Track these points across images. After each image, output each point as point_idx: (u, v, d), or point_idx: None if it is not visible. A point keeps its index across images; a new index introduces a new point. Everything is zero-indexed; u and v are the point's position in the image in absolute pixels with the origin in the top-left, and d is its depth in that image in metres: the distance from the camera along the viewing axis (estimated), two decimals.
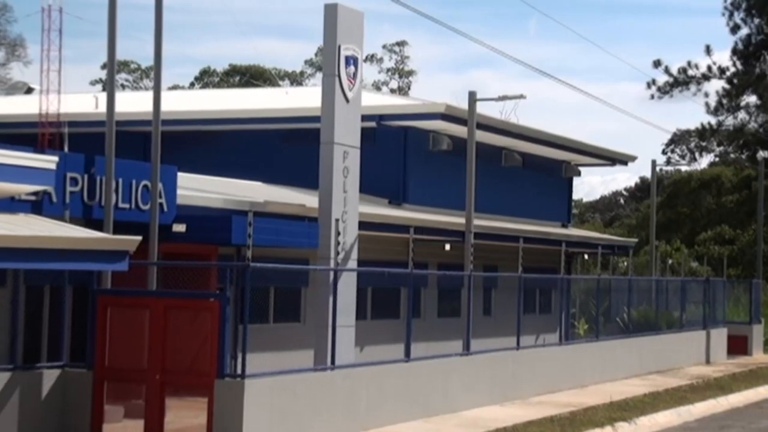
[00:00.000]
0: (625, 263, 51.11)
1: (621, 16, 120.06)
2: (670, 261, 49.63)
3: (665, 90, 51.86)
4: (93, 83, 70.37)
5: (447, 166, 30.31)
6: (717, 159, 70.55)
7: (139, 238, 15.13)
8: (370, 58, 73.76)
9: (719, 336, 36.20)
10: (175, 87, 65.13)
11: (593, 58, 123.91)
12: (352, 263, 21.54)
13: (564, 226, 37.68)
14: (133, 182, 18.22)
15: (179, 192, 19.25)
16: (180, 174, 19.49)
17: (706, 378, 29.63)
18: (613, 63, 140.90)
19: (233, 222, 18.98)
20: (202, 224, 19.13)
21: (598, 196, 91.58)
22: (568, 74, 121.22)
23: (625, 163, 39.71)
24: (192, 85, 70.89)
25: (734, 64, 49.64)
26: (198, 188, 21.38)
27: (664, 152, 76.78)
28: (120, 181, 17.94)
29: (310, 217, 21.93)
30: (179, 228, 18.88)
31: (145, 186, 18.29)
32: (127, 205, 18.09)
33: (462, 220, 26.24)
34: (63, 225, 15.63)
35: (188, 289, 18.33)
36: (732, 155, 60.04)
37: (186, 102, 33.86)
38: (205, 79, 72.28)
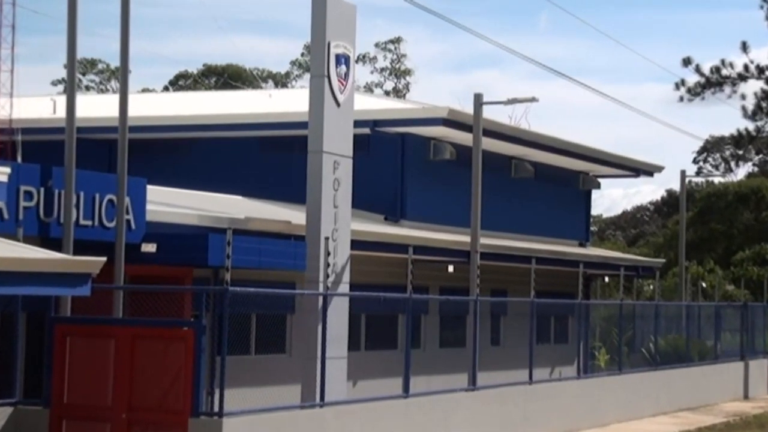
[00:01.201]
0: (651, 287, 51.06)
1: (645, 8, 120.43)
2: (702, 284, 49.65)
3: (696, 92, 51.91)
4: (55, 83, 70.46)
5: (450, 177, 30.34)
6: (755, 169, 70.55)
7: (103, 259, 15.12)
8: (363, 58, 73.96)
9: (759, 368, 36.17)
10: (146, 90, 65.25)
11: (613, 56, 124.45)
12: (344, 287, 21.53)
13: (582, 245, 37.71)
14: (97, 196, 18.23)
15: (149, 207, 19.26)
16: (150, 187, 19.51)
17: (744, 415, 29.62)
18: (636, 61, 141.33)
19: (210, 241, 18.99)
20: (174, 243, 19.14)
21: (620, 211, 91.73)
22: (585, 74, 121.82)
23: (651, 174, 39.80)
24: (166, 89, 70.97)
25: None
26: (170, 203, 21.40)
27: (695, 161, 77.13)
28: (81, 194, 17.94)
29: (296, 235, 21.95)
30: (149, 248, 18.88)
31: (110, 200, 18.31)
32: (89, 222, 18.09)
33: (467, 239, 26.26)
34: (16, 245, 15.62)
35: (159, 316, 18.33)
36: None
37: (157, 106, 33.90)
38: (180, 82, 72.36)
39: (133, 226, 18.71)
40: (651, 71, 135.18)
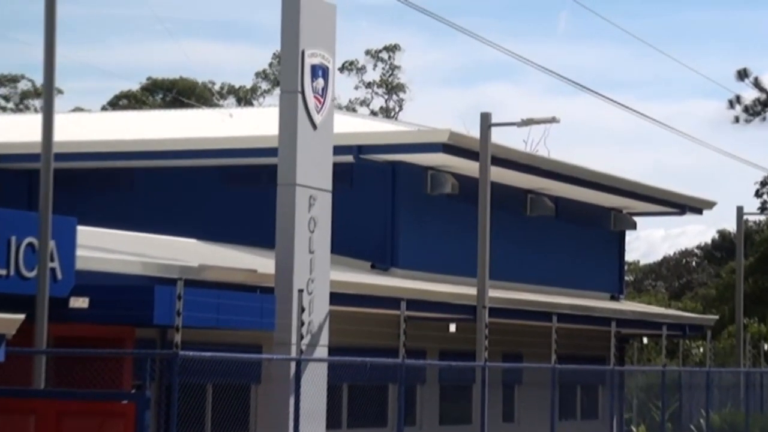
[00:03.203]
0: (702, 349, 50.99)
1: (690, 7, 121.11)
2: (765, 346, 49.66)
3: (755, 110, 52.26)
4: None
5: (452, 215, 30.37)
6: None
7: (21, 316, 15.07)
8: (349, 66, 74.28)
9: None
10: (78, 109, 65.46)
11: (651, 67, 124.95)
12: (322, 351, 21.47)
13: (614, 298, 37.72)
14: (13, 240, 18.19)
15: (80, 253, 19.23)
16: (81, 228, 19.49)
17: None
18: (679, 73, 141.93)
19: (156, 294, 18.96)
20: (111, 297, 19.10)
21: (660, 257, 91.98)
22: (616, 89, 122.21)
23: (699, 212, 39.89)
24: (104, 109, 71.18)
25: None
26: (107, 247, 21.38)
27: (758, 195, 77.13)
28: None
29: (263, 287, 21.93)
30: (79, 303, 18.83)
31: (30, 245, 18.25)
32: (3, 272, 18.04)
33: (473, 291, 26.23)
34: None
35: (92, 387, 18.24)
36: None
37: (90, 129, 33.96)
38: (122, 103, 72.54)
39: (59, 276, 18.65)
40: (698, 85, 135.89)
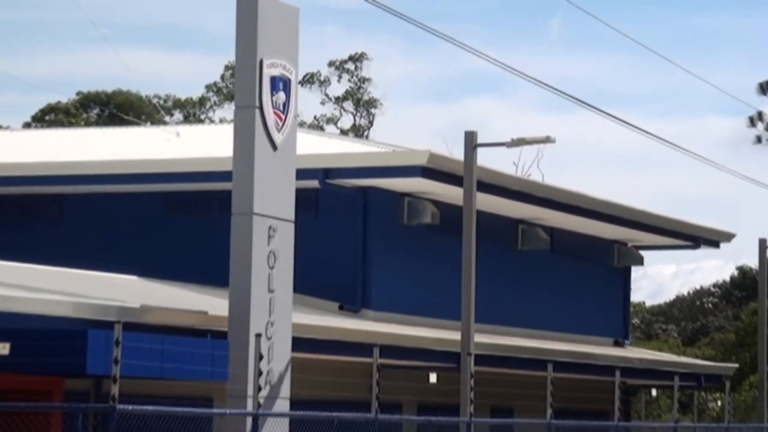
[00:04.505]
0: (719, 402, 51.11)
1: (704, 12, 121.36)
2: None
3: None
4: None
5: (431, 249, 30.37)
6: None
7: None
8: (310, 79, 74.30)
9: None
10: None
11: (659, 79, 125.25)
12: (282, 404, 21.43)
13: (618, 344, 37.75)
14: None
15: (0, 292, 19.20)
16: (1, 263, 19.46)
17: None
18: (691, 86, 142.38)
19: (90, 340, 18.90)
20: (37, 343, 19.04)
21: (672, 297, 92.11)
22: (618, 104, 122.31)
23: (716, 245, 39.95)
24: (27, 126, 71.06)
25: None
26: (32, 286, 21.32)
27: None
28: None
29: (215, 330, 21.90)
30: None
31: None
32: None
33: (456, 336, 26.23)
34: None
35: None
36: None
37: (11, 148, 33.87)
38: (49, 117, 72.39)
39: None
40: (713, 100, 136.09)
